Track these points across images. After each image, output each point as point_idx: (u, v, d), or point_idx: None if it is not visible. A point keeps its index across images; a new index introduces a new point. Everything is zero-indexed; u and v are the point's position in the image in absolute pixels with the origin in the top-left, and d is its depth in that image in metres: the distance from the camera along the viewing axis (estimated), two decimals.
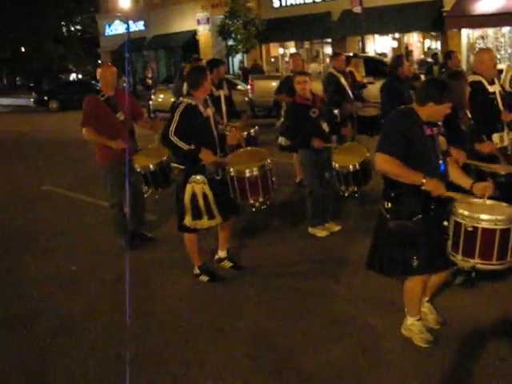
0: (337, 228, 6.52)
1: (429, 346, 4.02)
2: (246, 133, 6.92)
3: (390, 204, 3.86)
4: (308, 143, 6.09)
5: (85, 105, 6.03)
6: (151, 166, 6.17)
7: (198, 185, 5.01)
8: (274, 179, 5.49)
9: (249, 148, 5.94)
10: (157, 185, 6.36)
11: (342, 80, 8.11)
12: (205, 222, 5.13)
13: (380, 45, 23.55)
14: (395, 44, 22.79)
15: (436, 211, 3.81)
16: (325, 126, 6.22)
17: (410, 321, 4.17)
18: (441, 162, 3.86)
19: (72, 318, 4.83)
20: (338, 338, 4.24)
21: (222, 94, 7.17)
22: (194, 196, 5.02)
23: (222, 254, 5.66)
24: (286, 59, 25.71)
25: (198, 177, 5.02)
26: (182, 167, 5.20)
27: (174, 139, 4.85)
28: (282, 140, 7.59)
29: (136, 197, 6.39)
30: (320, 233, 6.42)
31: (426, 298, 4.36)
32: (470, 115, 4.83)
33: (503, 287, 4.88)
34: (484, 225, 3.59)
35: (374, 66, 15.91)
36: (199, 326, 4.55)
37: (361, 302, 4.79)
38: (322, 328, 4.40)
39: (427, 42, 21.04)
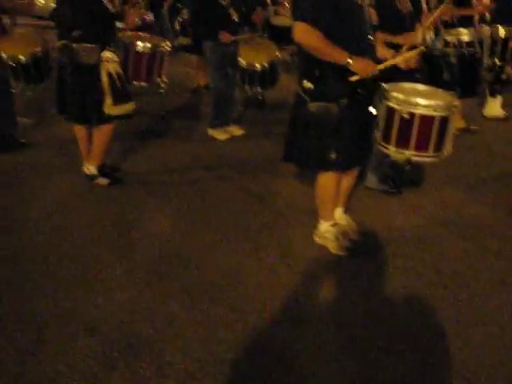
0: (239, 132, 6.00)
1: (345, 253, 3.69)
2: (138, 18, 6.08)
3: (311, 84, 3.27)
4: (215, 34, 5.41)
5: None
6: (22, 58, 5.20)
7: (112, 63, 4.18)
8: (163, 67, 4.92)
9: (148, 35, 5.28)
10: (29, 80, 5.47)
11: None
12: (128, 106, 4.36)
13: None
14: None
15: (363, 96, 3.32)
16: (235, 16, 5.53)
17: (324, 226, 3.78)
18: (370, 35, 3.35)
19: None
20: (253, 249, 3.79)
21: None
22: (111, 76, 4.18)
23: (92, 169, 4.68)
24: None
25: (109, 53, 4.18)
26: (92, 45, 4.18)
27: None
28: (180, 39, 6.88)
29: (4, 92, 5.41)
30: (220, 135, 5.87)
31: (341, 209, 3.98)
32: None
33: (426, 200, 4.64)
34: (422, 111, 3.22)
35: None
36: (93, 239, 3.83)
37: (271, 211, 4.35)
38: (235, 239, 3.91)
39: None
